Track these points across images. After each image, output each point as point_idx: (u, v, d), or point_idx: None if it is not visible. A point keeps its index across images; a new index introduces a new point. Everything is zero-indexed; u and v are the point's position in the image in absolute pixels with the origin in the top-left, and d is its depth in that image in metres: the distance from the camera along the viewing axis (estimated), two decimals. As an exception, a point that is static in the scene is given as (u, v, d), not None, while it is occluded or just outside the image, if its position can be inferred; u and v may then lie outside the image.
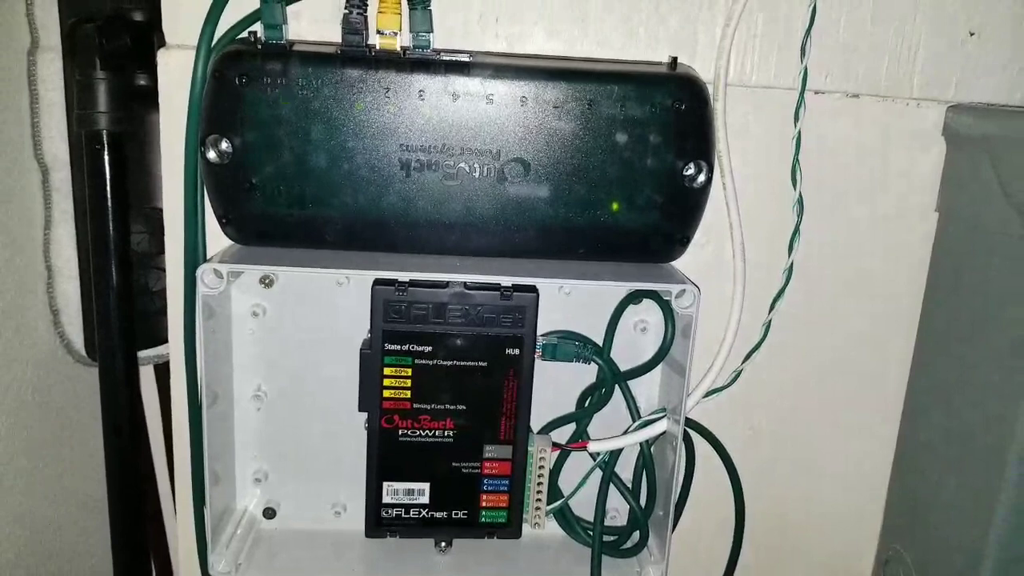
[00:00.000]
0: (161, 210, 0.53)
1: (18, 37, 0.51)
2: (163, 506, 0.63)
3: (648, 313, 0.48)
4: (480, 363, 0.45)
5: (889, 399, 0.52)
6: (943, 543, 0.49)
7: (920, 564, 0.51)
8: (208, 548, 0.46)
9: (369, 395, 0.46)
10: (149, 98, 0.50)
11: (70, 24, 0.48)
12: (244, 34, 0.42)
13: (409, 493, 0.47)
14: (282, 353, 0.48)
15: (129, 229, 0.50)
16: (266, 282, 0.46)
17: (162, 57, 0.44)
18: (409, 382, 0.45)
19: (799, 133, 0.44)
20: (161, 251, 0.54)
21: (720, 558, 0.53)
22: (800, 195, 0.45)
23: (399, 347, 0.45)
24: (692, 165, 0.43)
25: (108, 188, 0.48)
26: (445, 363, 0.45)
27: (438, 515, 0.48)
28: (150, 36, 0.49)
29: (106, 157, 0.48)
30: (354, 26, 0.41)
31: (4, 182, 0.50)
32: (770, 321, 0.47)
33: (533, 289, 0.44)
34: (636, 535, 0.49)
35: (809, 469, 0.53)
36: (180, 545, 0.51)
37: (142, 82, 0.50)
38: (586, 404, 0.49)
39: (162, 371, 0.61)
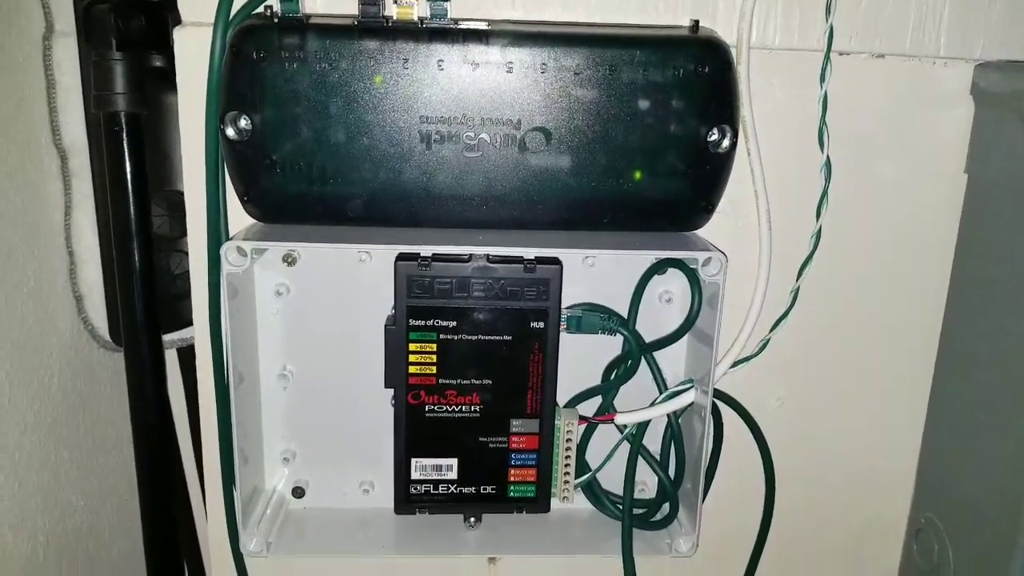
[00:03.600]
0: (180, 192, 0.53)
1: (33, 22, 0.51)
2: (189, 487, 0.63)
3: (673, 283, 0.47)
4: (505, 337, 0.45)
5: (919, 366, 0.52)
6: (976, 512, 0.48)
7: (953, 533, 0.50)
8: (239, 528, 0.47)
9: (395, 371, 0.45)
10: (165, 78, 0.50)
11: (84, 6, 0.48)
12: (260, 9, 0.41)
13: (437, 469, 0.47)
14: (306, 331, 0.48)
15: (150, 211, 0.50)
16: (289, 260, 0.46)
17: (178, 35, 0.44)
18: (434, 357, 0.45)
19: (825, 95, 0.43)
20: (182, 234, 0.54)
21: (751, 529, 0.52)
22: (828, 158, 0.44)
23: (423, 322, 0.45)
24: (716, 130, 0.42)
25: (128, 170, 0.48)
26: (470, 337, 0.45)
27: (466, 490, 0.48)
28: (164, 16, 0.49)
29: (125, 138, 0.48)
30: (371, -3, 0.40)
31: (23, 169, 0.50)
32: (798, 288, 0.47)
33: (556, 261, 0.44)
34: (666, 507, 0.49)
35: (839, 438, 0.53)
36: (210, 525, 0.51)
37: (157, 63, 0.50)
38: (612, 376, 0.48)
39: (186, 354, 0.62)
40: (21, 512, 0.50)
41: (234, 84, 0.40)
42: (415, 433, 0.46)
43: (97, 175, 0.54)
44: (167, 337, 0.57)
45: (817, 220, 0.45)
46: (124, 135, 0.47)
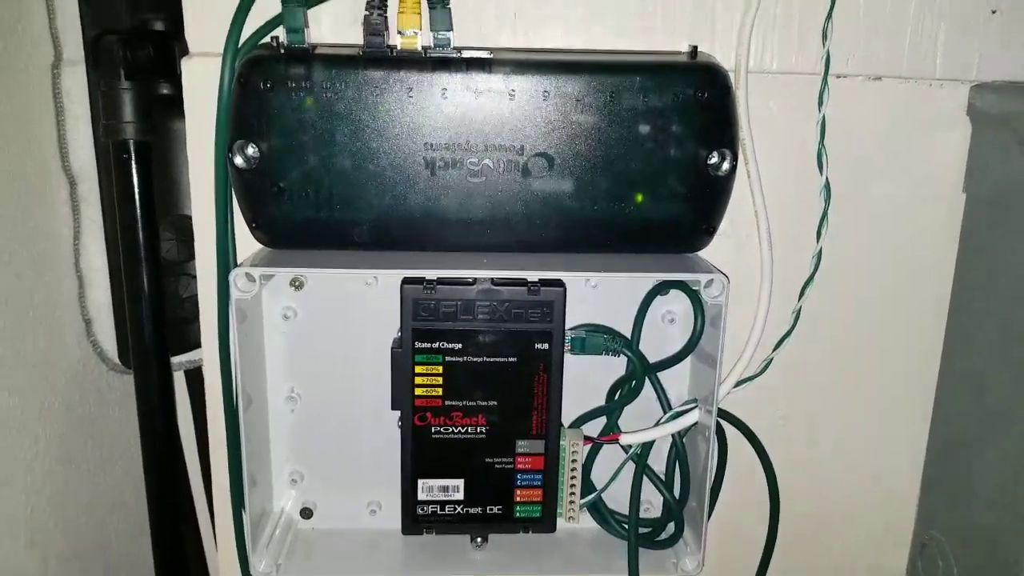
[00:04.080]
0: (188, 217, 0.54)
1: (42, 51, 0.52)
2: (197, 508, 0.64)
3: (675, 304, 0.48)
4: (510, 359, 0.46)
5: (922, 384, 0.52)
6: (980, 529, 0.48)
7: (957, 550, 0.51)
8: (248, 550, 0.47)
9: (401, 393, 0.46)
10: (172, 106, 0.51)
11: (93, 36, 0.49)
12: (266, 39, 0.42)
13: (444, 490, 0.48)
14: (313, 355, 0.48)
15: (158, 235, 0.51)
16: (296, 284, 0.47)
17: (186, 65, 0.45)
18: (440, 379, 0.46)
19: (824, 117, 0.44)
20: (189, 258, 0.54)
21: (755, 547, 0.53)
22: (827, 180, 0.45)
23: (429, 345, 0.45)
24: (716, 153, 0.43)
25: (136, 197, 0.49)
26: (475, 359, 0.45)
27: (473, 511, 0.48)
28: (171, 45, 0.50)
29: (134, 166, 0.48)
30: (375, 27, 0.41)
31: (33, 194, 0.51)
32: (800, 308, 0.47)
33: (560, 284, 0.45)
34: (671, 526, 0.49)
35: (842, 456, 0.53)
36: (220, 546, 0.52)
37: (165, 91, 0.51)
38: (616, 397, 0.49)
39: (193, 376, 0.62)
40: (32, 532, 0.50)
41: (242, 113, 0.41)
42: (421, 454, 0.47)
43: (106, 200, 0.55)
44: (175, 359, 0.58)
45: (818, 242, 0.46)
46: (133, 162, 0.48)
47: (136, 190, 0.49)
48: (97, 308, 0.57)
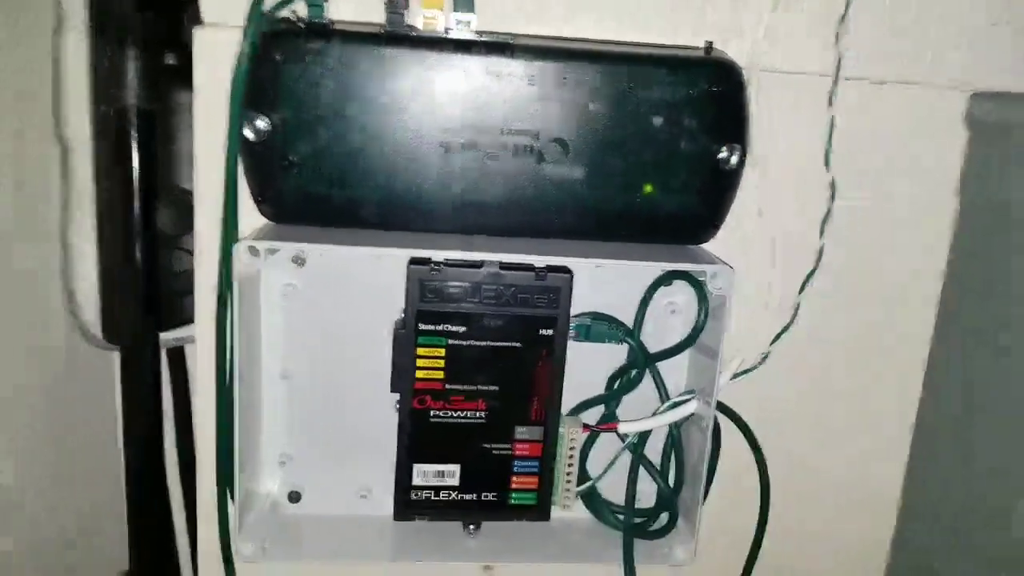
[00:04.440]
0: (185, 190, 0.53)
1: (43, 16, 0.50)
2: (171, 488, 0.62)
3: (678, 295, 0.48)
4: (514, 343, 0.45)
5: (910, 381, 0.53)
6: (961, 525, 0.50)
7: (937, 546, 0.52)
8: (234, 531, 0.46)
9: (402, 375, 0.46)
10: (176, 76, 0.50)
11: (99, 1, 0.48)
12: (285, 12, 0.42)
13: (439, 475, 0.47)
14: (312, 332, 0.47)
15: (154, 208, 0.50)
16: (298, 261, 0.46)
17: (198, 36, 0.44)
18: (442, 363, 0.45)
19: (832, 118, 0.45)
20: (184, 231, 0.53)
21: (745, 536, 0.53)
22: (833, 179, 0.46)
23: (433, 327, 0.45)
24: (726, 148, 0.44)
25: (135, 166, 0.48)
26: (479, 343, 0.45)
27: (467, 497, 0.48)
28: (179, 13, 0.49)
29: (135, 134, 0.47)
30: (397, 6, 0.41)
31: (24, 157, 0.49)
32: (799, 303, 0.48)
33: (567, 270, 0.45)
34: (663, 517, 0.50)
35: (831, 449, 0.54)
36: (201, 529, 0.51)
37: (170, 60, 0.50)
38: (615, 386, 0.49)
39: (175, 354, 0.61)
40: (15, 516, 0.48)
41: (255, 85, 0.41)
42: (419, 439, 0.46)
43: (101, 170, 0.53)
44: (161, 336, 0.57)
45: (820, 238, 0.47)
46: (135, 131, 0.47)
47: (136, 159, 0.47)
48: (82, 280, 0.56)
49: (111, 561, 0.62)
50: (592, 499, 0.51)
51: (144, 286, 0.49)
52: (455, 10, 0.41)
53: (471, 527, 0.49)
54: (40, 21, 0.50)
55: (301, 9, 0.41)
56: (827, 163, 0.46)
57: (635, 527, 0.50)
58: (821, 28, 0.46)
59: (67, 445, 0.56)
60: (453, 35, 0.41)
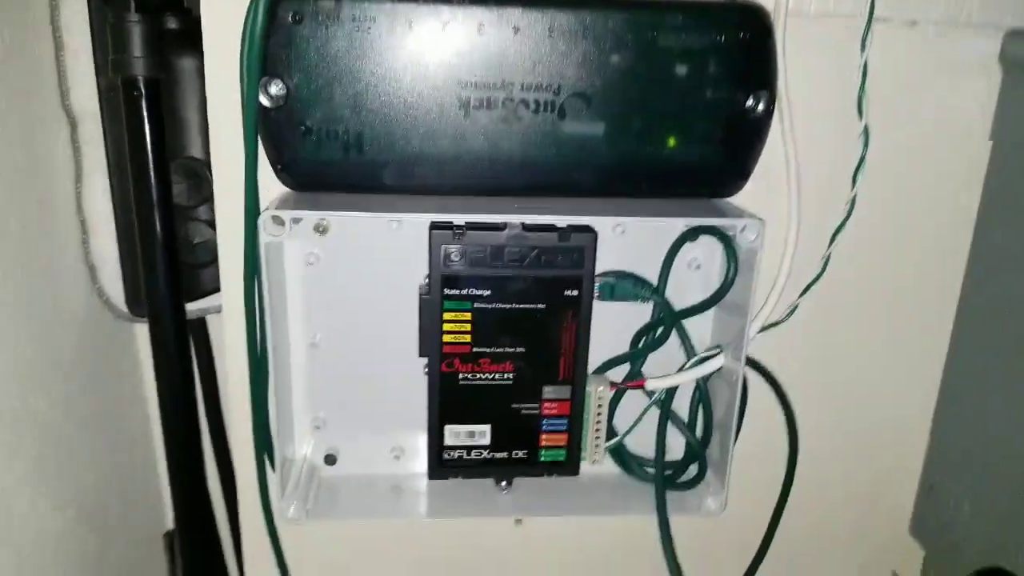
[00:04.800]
0: (197, 159, 0.52)
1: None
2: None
3: (702, 250, 0.48)
4: (539, 305, 0.45)
5: (940, 329, 0.53)
6: (988, 471, 0.50)
7: (964, 492, 0.52)
8: (272, 496, 0.47)
9: (429, 340, 0.46)
10: (180, 41, 0.48)
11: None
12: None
13: (471, 435, 0.48)
14: (337, 300, 0.47)
15: (170, 180, 0.49)
16: (320, 229, 0.45)
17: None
18: (469, 326, 0.45)
19: (865, 62, 0.44)
20: (200, 203, 0.53)
21: (773, 486, 0.54)
22: (866, 126, 0.45)
23: (458, 292, 0.45)
24: (753, 96, 0.43)
25: (148, 137, 0.47)
26: (504, 306, 0.45)
27: (499, 455, 0.48)
28: (178, -25, 0.47)
29: (144, 104, 0.46)
30: (409, -42, 0.39)
31: (31, 135, 0.49)
32: (829, 255, 0.47)
33: (591, 229, 0.44)
34: (692, 468, 0.50)
35: (858, 398, 0.54)
36: (241, 495, 0.52)
37: (172, 25, 0.48)
38: (640, 344, 0.49)
39: (197, 326, 0.61)
40: (44, 488, 0.49)
41: (268, 49, 0.39)
42: (449, 401, 0.47)
43: (110, 141, 0.52)
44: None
45: (853, 187, 0.46)
46: (144, 101, 0.46)
47: (147, 130, 0.46)
48: (102, 255, 0.55)
49: (150, 523, 0.64)
50: (620, 453, 0.51)
51: (166, 259, 0.49)
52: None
53: (503, 483, 0.50)
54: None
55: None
56: (860, 110, 0.45)
57: (665, 479, 0.50)
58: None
59: (96, 420, 0.56)
60: (469, -13, 0.40)
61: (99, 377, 0.57)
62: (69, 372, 0.53)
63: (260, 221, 0.41)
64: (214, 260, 0.48)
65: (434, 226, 0.43)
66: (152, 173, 0.48)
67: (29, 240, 0.48)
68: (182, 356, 0.52)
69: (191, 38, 0.44)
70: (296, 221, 0.42)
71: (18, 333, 0.46)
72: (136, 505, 0.62)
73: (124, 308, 0.57)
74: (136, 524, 0.62)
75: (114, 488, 0.58)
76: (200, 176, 0.52)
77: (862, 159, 0.45)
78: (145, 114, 0.47)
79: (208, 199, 0.49)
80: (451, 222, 0.43)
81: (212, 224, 0.49)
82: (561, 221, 0.44)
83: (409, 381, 0.48)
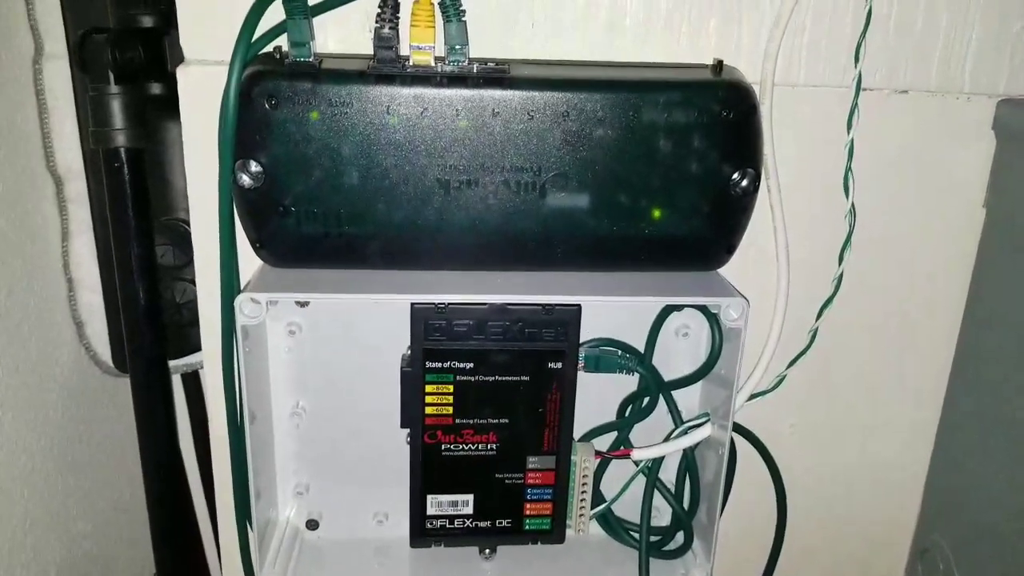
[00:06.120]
0: (183, 221, 0.52)
1: (20, 42, 0.48)
2: (197, 510, 0.63)
3: (690, 319, 0.47)
4: (522, 377, 0.45)
5: (930, 400, 0.52)
6: (982, 532, 0.49)
7: (959, 553, 0.52)
8: (256, 564, 0.47)
9: (411, 412, 0.45)
10: (165, 107, 0.48)
11: (79, 35, 0.46)
12: (269, 49, 0.40)
13: (453, 504, 0.47)
14: (320, 368, 0.47)
15: (153, 244, 0.49)
16: (301, 303, 0.45)
17: (182, 73, 0.42)
18: (451, 398, 0.45)
19: (852, 140, 0.43)
20: (185, 263, 0.53)
21: (761, 554, 0.53)
22: (852, 205, 0.44)
23: (440, 364, 0.44)
24: (739, 172, 0.42)
25: (130, 205, 0.47)
26: (487, 379, 0.45)
27: (482, 524, 0.48)
28: (162, 43, 0.47)
29: (126, 174, 0.46)
30: (387, 41, 0.38)
31: (17, 195, 0.48)
32: (817, 328, 0.47)
33: (576, 303, 0.43)
34: (679, 536, 0.50)
35: (848, 465, 0.54)
36: (224, 558, 0.51)
37: (156, 91, 0.48)
38: (627, 412, 0.48)
39: (189, 380, 0.61)
40: (33, 543, 0.49)
41: (245, 130, 0.39)
42: (431, 471, 0.46)
43: (95, 200, 0.52)
44: (172, 363, 0.56)
45: (839, 265, 0.45)
46: (125, 171, 0.46)
47: (129, 199, 0.46)
48: (89, 311, 0.55)
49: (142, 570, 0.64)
50: (607, 518, 0.51)
51: (146, 321, 0.49)
52: (447, 43, 0.39)
53: (487, 551, 0.50)
54: (17, 46, 0.48)
55: (285, 43, 0.39)
56: (846, 188, 0.44)
57: (651, 546, 0.50)
58: (837, 38, 0.43)
59: (83, 470, 0.56)
60: (445, 68, 0.39)
61: (87, 432, 0.57)
62: (57, 424, 0.53)
63: (237, 303, 0.40)
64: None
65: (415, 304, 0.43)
66: (134, 240, 0.48)
67: (18, 297, 0.48)
68: (167, 416, 0.52)
69: (176, 104, 0.44)
70: (273, 303, 0.42)
71: (7, 389, 0.46)
72: (125, 553, 0.62)
73: (111, 363, 0.57)
74: (127, 571, 0.62)
75: (105, 536, 0.58)
76: (186, 238, 0.52)
77: (848, 238, 0.44)
78: (127, 183, 0.46)
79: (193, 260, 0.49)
80: (433, 304, 0.43)
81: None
82: (544, 300, 0.43)
83: (393, 448, 0.47)
